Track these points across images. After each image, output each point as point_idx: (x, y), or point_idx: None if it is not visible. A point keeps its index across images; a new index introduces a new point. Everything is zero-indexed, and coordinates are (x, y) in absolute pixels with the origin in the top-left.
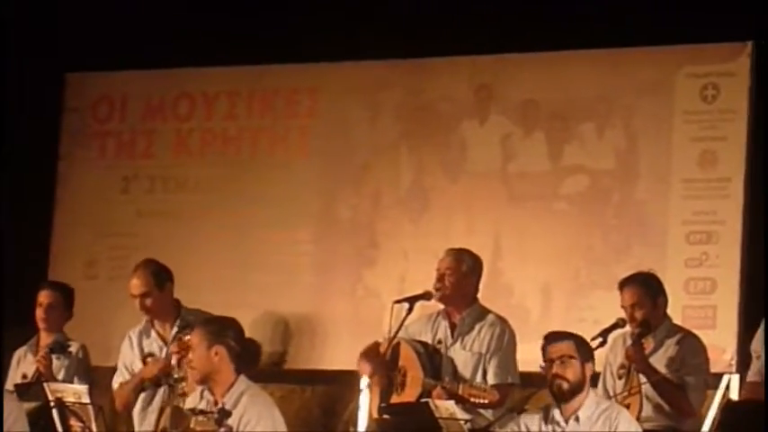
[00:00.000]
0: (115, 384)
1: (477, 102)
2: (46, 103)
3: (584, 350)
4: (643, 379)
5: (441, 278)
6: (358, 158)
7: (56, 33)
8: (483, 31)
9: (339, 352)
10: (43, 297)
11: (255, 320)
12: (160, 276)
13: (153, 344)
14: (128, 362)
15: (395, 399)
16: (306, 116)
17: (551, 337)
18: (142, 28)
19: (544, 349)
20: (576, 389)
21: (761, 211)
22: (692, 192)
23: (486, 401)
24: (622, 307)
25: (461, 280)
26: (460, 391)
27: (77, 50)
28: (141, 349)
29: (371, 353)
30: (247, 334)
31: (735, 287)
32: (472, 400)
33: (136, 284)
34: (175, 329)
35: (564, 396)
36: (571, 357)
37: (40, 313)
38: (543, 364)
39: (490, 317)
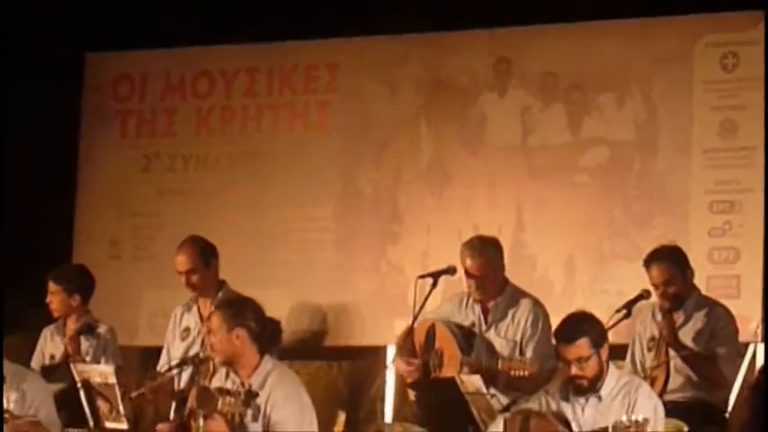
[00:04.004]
0: (159, 365)
1: (496, 75)
2: (66, 83)
3: (598, 337)
4: (672, 353)
5: (472, 278)
6: (377, 133)
7: (75, 13)
8: (501, 4)
9: (365, 328)
10: (50, 289)
11: (284, 299)
12: (206, 253)
13: (191, 319)
14: (169, 339)
15: None
16: (325, 92)
17: (563, 337)
18: (160, 6)
19: (557, 347)
20: (597, 379)
21: None
22: (713, 161)
23: (527, 373)
24: (653, 284)
25: (490, 271)
26: (500, 366)
27: (97, 30)
28: (180, 324)
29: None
30: (276, 314)
31: (759, 256)
32: (512, 373)
33: (182, 261)
34: (212, 308)
35: (587, 391)
36: (588, 358)
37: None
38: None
39: (523, 302)
